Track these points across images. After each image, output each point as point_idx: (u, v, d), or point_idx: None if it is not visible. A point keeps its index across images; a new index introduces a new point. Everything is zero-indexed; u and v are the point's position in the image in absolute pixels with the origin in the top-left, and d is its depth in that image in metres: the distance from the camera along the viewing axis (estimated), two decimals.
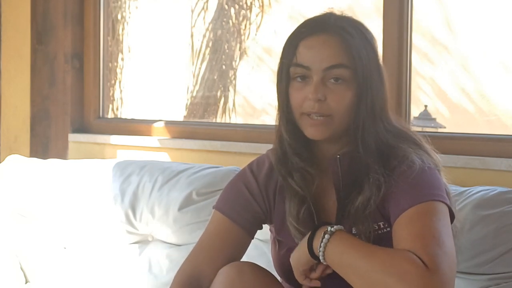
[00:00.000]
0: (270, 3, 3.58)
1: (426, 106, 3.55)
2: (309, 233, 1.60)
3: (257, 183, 1.79)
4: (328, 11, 1.73)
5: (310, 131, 1.67)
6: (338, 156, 1.70)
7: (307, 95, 1.65)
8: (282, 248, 1.77)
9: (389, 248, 1.52)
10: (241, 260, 1.80)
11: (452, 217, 1.62)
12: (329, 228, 1.57)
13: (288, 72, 1.69)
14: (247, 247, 1.82)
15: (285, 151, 1.73)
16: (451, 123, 3.36)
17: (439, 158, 1.72)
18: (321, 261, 1.57)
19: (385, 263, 1.47)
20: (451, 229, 1.57)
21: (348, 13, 1.75)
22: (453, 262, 1.49)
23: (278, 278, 1.79)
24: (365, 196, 1.64)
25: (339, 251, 1.54)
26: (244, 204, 1.79)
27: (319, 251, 1.57)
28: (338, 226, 1.58)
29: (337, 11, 1.73)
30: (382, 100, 1.70)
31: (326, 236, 1.56)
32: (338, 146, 1.71)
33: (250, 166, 1.83)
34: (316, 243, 1.58)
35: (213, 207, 1.83)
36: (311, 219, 1.70)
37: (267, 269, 1.74)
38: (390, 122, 1.72)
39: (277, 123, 1.75)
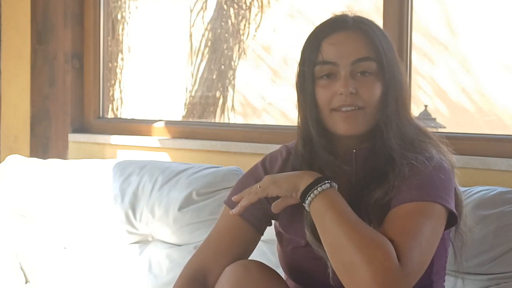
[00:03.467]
0: (269, 2, 3.57)
1: (426, 106, 3.55)
2: (314, 179, 1.60)
3: None
4: (341, 13, 1.74)
5: (343, 126, 1.66)
6: (354, 151, 1.70)
7: (336, 91, 1.65)
8: (288, 245, 1.76)
9: (374, 230, 1.54)
10: (249, 257, 1.79)
11: (454, 219, 1.63)
12: (324, 186, 1.59)
13: (313, 72, 1.68)
14: (256, 244, 1.81)
15: (312, 151, 1.72)
16: (451, 123, 3.36)
17: (454, 159, 1.73)
18: (306, 208, 1.60)
19: (362, 240, 1.50)
20: (440, 234, 1.59)
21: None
22: (422, 265, 1.54)
23: (283, 275, 1.79)
24: (386, 186, 1.63)
25: (324, 208, 1.57)
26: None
27: (306, 199, 1.60)
28: (334, 184, 1.60)
29: (349, 12, 1.74)
30: (406, 92, 1.72)
31: (319, 189, 1.58)
32: (358, 141, 1.71)
33: (262, 161, 1.82)
34: (307, 190, 1.60)
35: (224, 202, 1.82)
36: None
37: (275, 268, 1.74)
38: (411, 118, 1.73)
39: (301, 124, 1.74)
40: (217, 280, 1.70)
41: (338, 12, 1.75)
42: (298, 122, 1.75)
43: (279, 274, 1.71)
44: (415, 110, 3.50)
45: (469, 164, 2.29)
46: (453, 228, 1.73)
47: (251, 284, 1.64)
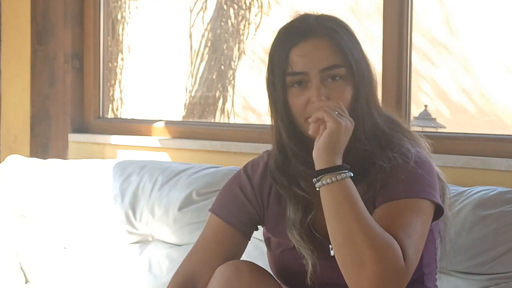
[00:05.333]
0: (269, 4, 3.57)
1: (426, 106, 3.55)
2: (335, 164, 1.59)
3: (251, 185, 1.80)
4: (303, 13, 1.75)
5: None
6: None
7: (309, 99, 1.66)
8: (276, 248, 1.78)
9: (383, 229, 1.54)
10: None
11: (441, 211, 1.65)
12: (348, 173, 1.58)
13: (283, 82, 1.69)
14: (244, 249, 1.82)
15: (287, 159, 1.74)
16: (451, 123, 3.36)
17: (428, 144, 1.75)
18: (316, 186, 1.60)
19: (376, 237, 1.51)
20: (428, 229, 1.62)
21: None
22: (415, 262, 1.56)
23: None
24: (368, 181, 1.65)
25: (342, 197, 1.57)
26: (239, 207, 1.79)
27: (322, 179, 1.59)
28: (349, 174, 1.59)
29: (312, 11, 1.75)
30: (374, 88, 1.73)
31: (342, 175, 1.58)
32: None
33: (245, 168, 1.84)
34: (324, 177, 1.58)
35: (209, 210, 1.84)
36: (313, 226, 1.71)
37: (266, 268, 1.74)
38: (382, 111, 1.75)
39: (274, 132, 1.76)
40: (207, 284, 1.71)
41: (300, 12, 1.76)
42: (271, 128, 1.77)
43: (270, 274, 1.72)
44: (415, 111, 3.50)
45: (469, 164, 2.29)
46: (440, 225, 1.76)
47: (242, 284, 1.65)
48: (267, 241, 1.81)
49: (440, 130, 3.44)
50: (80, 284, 2.69)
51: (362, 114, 1.68)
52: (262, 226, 1.83)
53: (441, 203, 1.65)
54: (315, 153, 1.61)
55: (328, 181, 1.58)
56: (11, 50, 3.47)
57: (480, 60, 3.10)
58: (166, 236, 2.63)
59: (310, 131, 1.63)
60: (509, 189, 2.08)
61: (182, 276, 1.80)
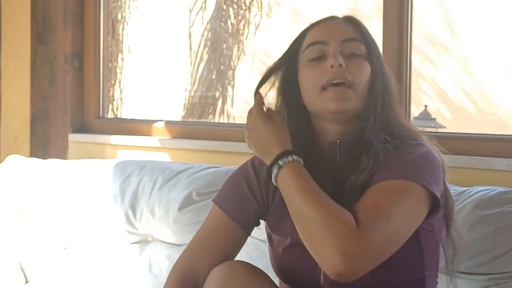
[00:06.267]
0: (269, 6, 3.57)
1: (426, 106, 3.55)
2: (279, 153, 1.62)
3: (258, 179, 1.78)
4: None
5: (333, 102, 1.65)
6: (338, 141, 1.70)
7: (325, 68, 1.66)
8: (278, 246, 1.76)
9: (337, 205, 1.54)
10: (240, 259, 1.80)
11: (437, 204, 1.61)
12: (288, 158, 1.60)
13: (295, 60, 1.71)
14: (243, 244, 1.81)
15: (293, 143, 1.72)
16: (451, 123, 3.36)
17: (444, 158, 1.73)
18: (273, 183, 1.62)
19: (325, 211, 1.51)
20: (419, 215, 1.58)
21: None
22: (391, 239, 1.51)
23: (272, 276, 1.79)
24: (361, 167, 1.63)
25: (289, 180, 1.59)
26: (243, 201, 1.78)
27: (272, 173, 1.62)
28: (297, 157, 1.61)
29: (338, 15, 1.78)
30: (393, 89, 1.73)
31: (280, 162, 1.61)
32: (343, 128, 1.70)
33: (252, 161, 1.82)
34: (273, 166, 1.62)
35: (212, 200, 1.82)
36: None
37: (266, 269, 1.74)
38: (400, 119, 1.72)
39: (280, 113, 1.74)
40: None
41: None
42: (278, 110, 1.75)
43: (265, 274, 1.72)
44: (415, 111, 3.50)
45: (469, 164, 2.29)
46: (444, 233, 1.73)
47: (237, 285, 1.64)
48: (269, 238, 1.80)
49: (440, 130, 3.44)
50: (80, 284, 2.69)
51: (376, 98, 1.67)
52: (264, 220, 1.81)
53: (436, 192, 1.60)
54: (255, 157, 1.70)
55: (275, 171, 1.61)
56: (11, 50, 3.47)
57: (480, 60, 3.10)
58: (166, 236, 2.63)
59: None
60: (509, 189, 2.08)
61: (182, 272, 1.79)
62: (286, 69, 1.74)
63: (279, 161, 1.61)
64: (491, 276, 1.99)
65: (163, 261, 2.59)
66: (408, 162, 1.61)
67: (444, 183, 1.69)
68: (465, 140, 2.39)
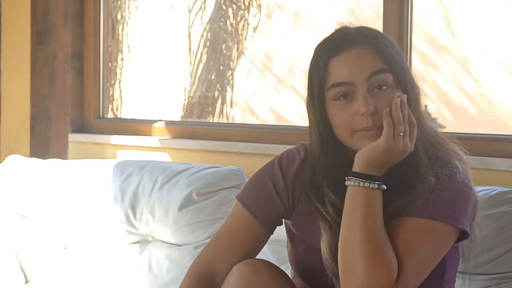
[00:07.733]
0: (269, 9, 3.57)
1: (426, 106, 3.54)
2: (362, 173, 1.59)
3: (284, 180, 1.74)
4: (340, 25, 1.69)
5: (367, 141, 1.60)
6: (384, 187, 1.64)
7: (356, 112, 1.59)
8: (300, 245, 1.75)
9: (389, 246, 1.53)
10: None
11: (466, 235, 1.63)
12: (373, 185, 1.57)
13: (323, 95, 1.63)
14: (265, 243, 1.79)
15: (316, 177, 1.69)
16: (451, 124, 3.35)
17: (468, 161, 1.74)
18: (346, 181, 1.59)
19: (373, 251, 1.52)
20: (443, 254, 1.60)
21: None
22: (419, 280, 1.55)
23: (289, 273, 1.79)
24: (413, 198, 1.60)
25: (359, 202, 1.57)
26: (267, 200, 1.75)
27: (352, 179, 1.59)
28: (383, 187, 1.58)
29: (349, 23, 1.69)
30: (420, 99, 1.70)
31: (368, 184, 1.57)
32: None
33: (279, 160, 1.77)
34: (352, 179, 1.59)
35: (237, 197, 1.79)
36: None
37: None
38: (425, 121, 1.71)
39: (318, 144, 1.68)
40: (224, 279, 1.69)
41: (338, 25, 1.69)
42: (312, 142, 1.70)
43: (286, 274, 1.71)
44: None
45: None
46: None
47: (259, 284, 1.63)
48: (290, 234, 1.78)
49: (440, 130, 3.43)
50: (80, 284, 2.69)
51: None
52: (288, 220, 1.79)
53: (468, 229, 1.62)
54: (357, 154, 1.60)
55: (355, 183, 1.58)
56: (11, 50, 3.47)
57: (480, 61, 3.09)
58: (166, 236, 2.63)
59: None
60: (509, 189, 2.08)
61: (202, 269, 1.76)
62: (318, 105, 1.65)
63: (369, 182, 1.57)
64: (491, 276, 1.99)
65: (163, 261, 2.59)
66: (444, 200, 1.60)
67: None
68: (465, 140, 2.38)
